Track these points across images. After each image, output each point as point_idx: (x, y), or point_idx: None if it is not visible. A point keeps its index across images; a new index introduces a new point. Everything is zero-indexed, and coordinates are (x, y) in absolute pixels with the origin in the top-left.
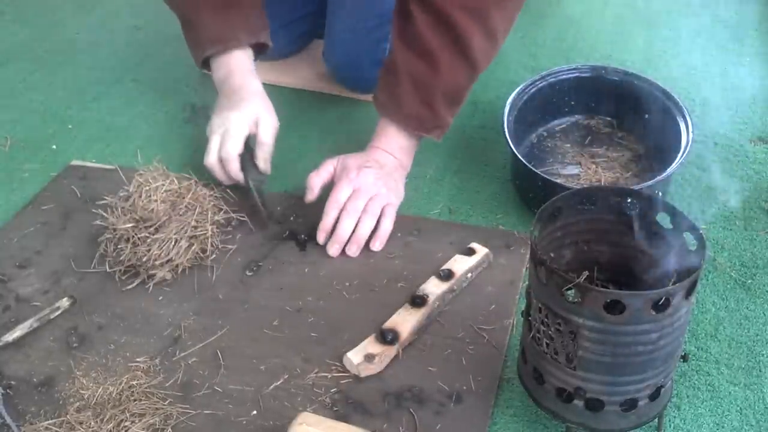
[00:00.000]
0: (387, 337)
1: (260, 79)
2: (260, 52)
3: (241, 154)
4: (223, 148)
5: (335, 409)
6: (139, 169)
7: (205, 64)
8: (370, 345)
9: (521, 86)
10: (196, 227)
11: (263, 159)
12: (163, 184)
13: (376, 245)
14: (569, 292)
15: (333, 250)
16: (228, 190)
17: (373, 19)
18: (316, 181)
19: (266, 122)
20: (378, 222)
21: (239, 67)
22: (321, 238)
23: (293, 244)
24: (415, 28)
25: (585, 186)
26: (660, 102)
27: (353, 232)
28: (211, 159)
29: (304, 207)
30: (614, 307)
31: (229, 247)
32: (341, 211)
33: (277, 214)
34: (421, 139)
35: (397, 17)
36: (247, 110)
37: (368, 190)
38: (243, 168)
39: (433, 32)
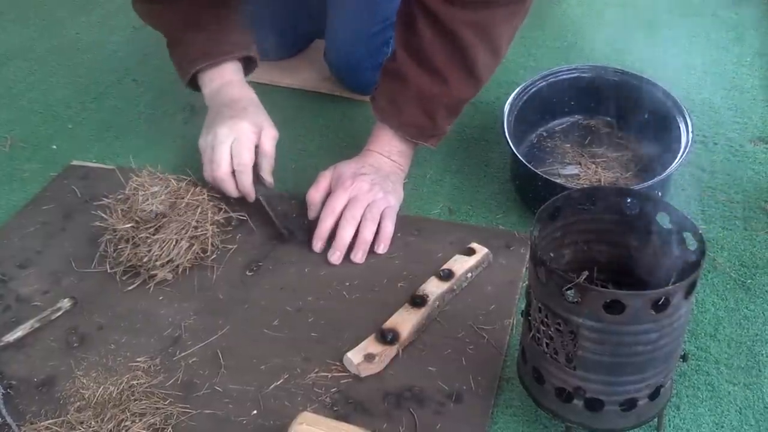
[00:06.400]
0: (387, 337)
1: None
2: (248, 68)
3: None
4: (238, 158)
5: (335, 408)
6: (135, 171)
7: (192, 83)
8: (370, 345)
9: (521, 86)
10: (196, 227)
11: (267, 171)
12: (159, 189)
13: (381, 248)
14: (569, 292)
15: (335, 257)
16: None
17: (375, 25)
18: (315, 196)
19: (268, 133)
20: (379, 225)
21: (233, 78)
22: (317, 246)
23: (293, 243)
24: (421, 42)
25: (585, 186)
26: (660, 102)
27: (357, 237)
28: (224, 170)
29: (304, 206)
30: (614, 307)
31: (230, 247)
32: (340, 219)
33: (294, 225)
34: (417, 145)
35: (401, 27)
36: (253, 119)
37: (364, 197)
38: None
39: (440, 48)
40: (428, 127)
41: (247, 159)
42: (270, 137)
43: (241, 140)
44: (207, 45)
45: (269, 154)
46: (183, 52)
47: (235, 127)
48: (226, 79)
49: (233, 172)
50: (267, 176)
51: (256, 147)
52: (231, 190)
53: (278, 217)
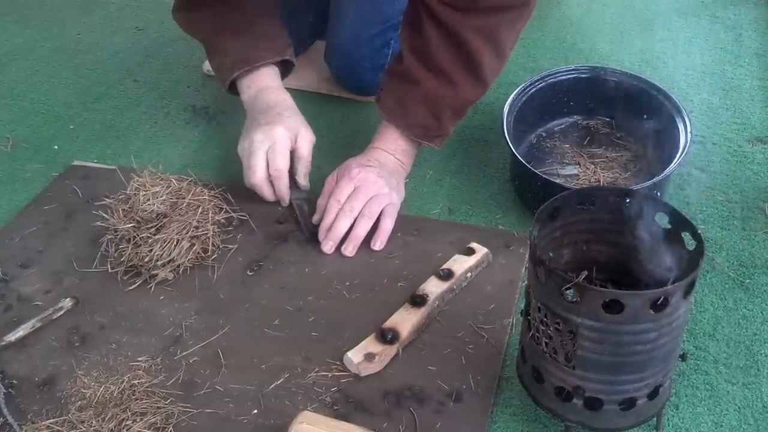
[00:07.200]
0: (387, 337)
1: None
2: (286, 69)
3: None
4: (273, 164)
5: (335, 408)
6: (137, 171)
7: (232, 88)
8: (370, 344)
9: (520, 87)
10: (197, 227)
11: (303, 174)
12: (160, 189)
13: (377, 244)
14: (568, 291)
15: (327, 247)
16: (227, 192)
17: (376, 26)
18: (322, 205)
19: (304, 136)
20: (379, 221)
21: (269, 84)
22: (322, 236)
23: (294, 243)
24: (428, 45)
25: (584, 186)
26: (658, 102)
27: (351, 231)
28: (260, 176)
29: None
30: (613, 307)
31: (230, 246)
32: (339, 209)
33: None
34: (421, 145)
35: (407, 29)
36: (288, 124)
37: (369, 188)
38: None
39: (445, 51)
40: (434, 128)
41: (281, 164)
42: (306, 141)
43: (275, 146)
44: (242, 52)
45: (305, 157)
46: (220, 60)
47: (270, 133)
48: (262, 85)
49: (270, 177)
50: (302, 180)
51: (292, 152)
52: (268, 195)
53: (306, 223)
